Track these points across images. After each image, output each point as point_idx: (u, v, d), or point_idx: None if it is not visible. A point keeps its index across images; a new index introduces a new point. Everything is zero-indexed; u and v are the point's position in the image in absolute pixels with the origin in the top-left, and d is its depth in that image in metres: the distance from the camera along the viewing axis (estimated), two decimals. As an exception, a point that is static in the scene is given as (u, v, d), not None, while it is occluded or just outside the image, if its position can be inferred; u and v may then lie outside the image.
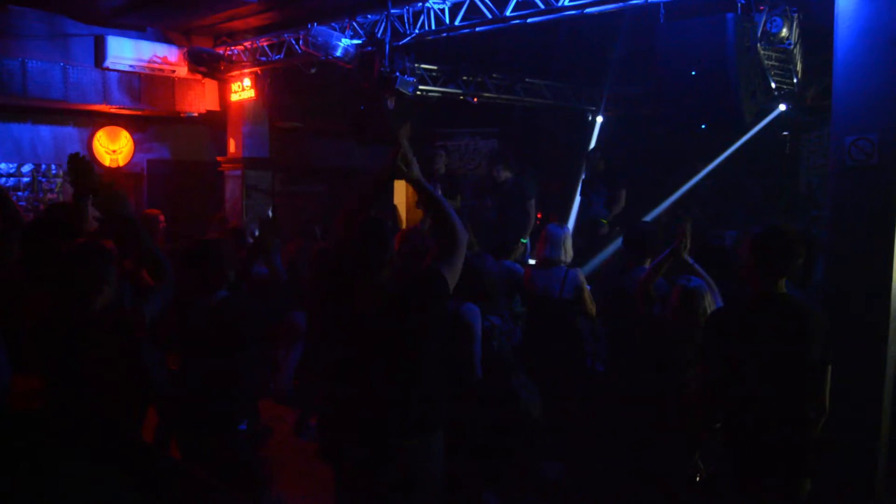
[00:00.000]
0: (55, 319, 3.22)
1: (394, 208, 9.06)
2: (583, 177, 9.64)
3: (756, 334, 3.33)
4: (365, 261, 3.18)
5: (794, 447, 3.31)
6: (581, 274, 5.49)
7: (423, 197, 3.34)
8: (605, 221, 8.41)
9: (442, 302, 3.17)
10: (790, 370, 3.28)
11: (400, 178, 3.26)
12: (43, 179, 9.58)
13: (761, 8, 5.55)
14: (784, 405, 3.29)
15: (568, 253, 5.49)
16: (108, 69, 9.13)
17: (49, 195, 9.57)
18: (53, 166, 9.67)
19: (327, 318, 3.44)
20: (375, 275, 3.17)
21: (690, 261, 4.27)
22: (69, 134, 9.85)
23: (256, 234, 5.61)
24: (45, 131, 9.65)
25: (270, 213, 8.39)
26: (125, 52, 9.16)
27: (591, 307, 5.47)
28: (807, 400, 3.31)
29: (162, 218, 6.38)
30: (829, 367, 3.35)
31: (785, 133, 9.85)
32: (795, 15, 5.65)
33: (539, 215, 9.74)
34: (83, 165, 3.80)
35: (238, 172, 10.48)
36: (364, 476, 3.21)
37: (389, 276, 3.23)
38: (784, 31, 5.60)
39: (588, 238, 8.53)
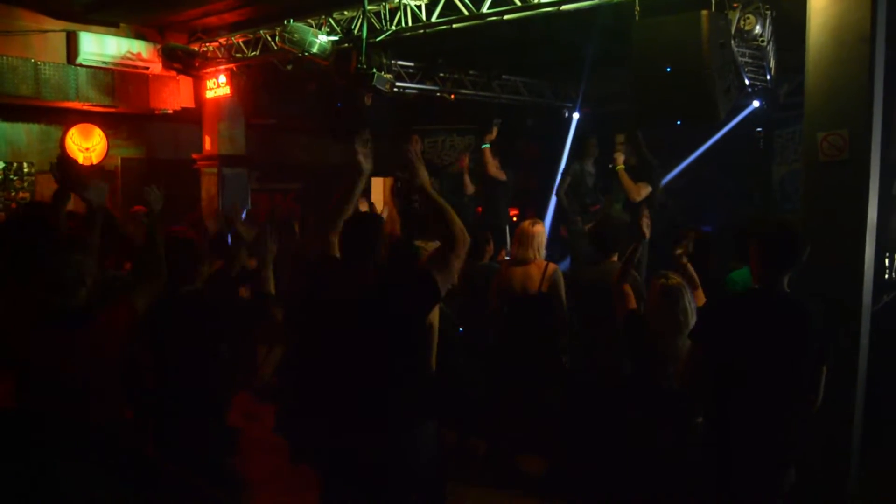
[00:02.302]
0: (40, 316, 3.20)
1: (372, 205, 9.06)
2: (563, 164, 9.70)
3: (755, 330, 3.36)
4: (353, 248, 3.21)
5: (782, 441, 3.36)
6: (559, 269, 5.52)
7: (429, 203, 3.33)
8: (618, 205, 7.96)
9: (426, 303, 3.18)
10: (785, 368, 3.32)
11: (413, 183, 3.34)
12: (15, 177, 9.45)
13: (735, 5, 5.61)
14: (776, 402, 3.33)
15: (541, 251, 5.51)
16: (80, 66, 9.02)
17: (21, 194, 9.44)
18: (25, 164, 9.55)
19: (307, 308, 3.43)
20: (363, 262, 3.18)
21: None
22: (42, 132, 9.73)
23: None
24: (16, 129, 9.51)
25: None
26: (98, 49, 9.06)
27: (563, 302, 5.50)
28: (799, 398, 3.36)
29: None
30: (825, 369, 3.40)
31: (759, 129, 9.95)
32: (769, 12, 5.71)
33: (516, 212, 9.80)
34: (72, 167, 3.87)
35: (214, 170, 10.41)
36: (343, 472, 3.21)
37: (375, 270, 3.24)
38: (757, 29, 5.66)
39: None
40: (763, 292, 3.41)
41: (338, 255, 3.41)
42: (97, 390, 3.19)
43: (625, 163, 7.88)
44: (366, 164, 3.57)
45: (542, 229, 5.62)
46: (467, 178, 9.22)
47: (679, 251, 4.24)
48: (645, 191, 7.72)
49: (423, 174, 3.32)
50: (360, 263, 3.24)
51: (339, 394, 3.22)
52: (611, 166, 8.00)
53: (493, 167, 8.86)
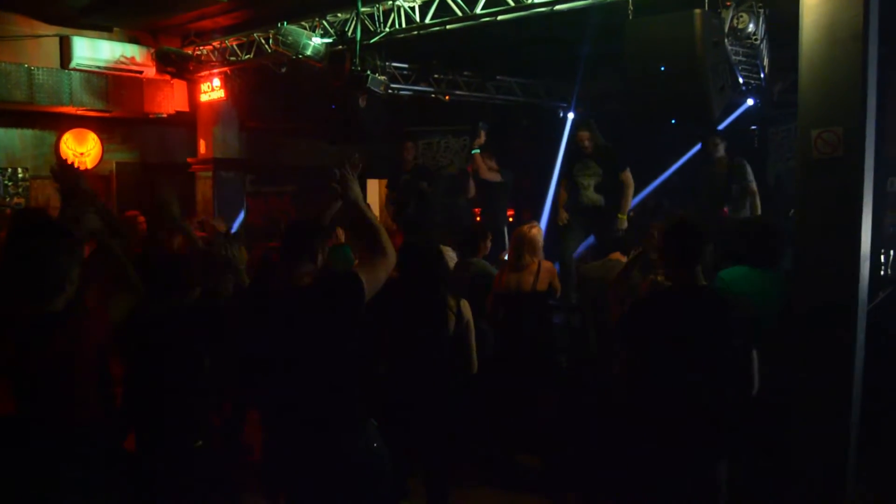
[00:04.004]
0: (14, 319, 3.18)
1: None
2: (559, 167, 9.61)
3: (678, 324, 3.43)
4: (284, 253, 3.23)
5: (714, 434, 3.41)
6: (553, 266, 5.53)
7: (357, 220, 3.34)
8: (622, 216, 7.37)
9: (355, 302, 3.14)
10: (711, 358, 3.39)
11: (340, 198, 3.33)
12: (9, 183, 9.42)
13: (728, 3, 5.62)
14: (704, 392, 3.39)
15: (539, 254, 5.51)
16: (74, 70, 9.01)
17: (16, 199, 9.41)
18: (20, 170, 9.52)
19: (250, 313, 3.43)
20: (290, 268, 3.19)
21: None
22: (36, 137, 9.70)
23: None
24: (10, 134, 9.49)
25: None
26: (91, 53, 9.06)
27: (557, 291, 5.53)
28: (728, 385, 3.42)
29: (142, 220, 6.34)
30: (755, 352, 3.55)
31: (753, 127, 9.96)
32: (762, 10, 5.72)
33: (511, 213, 9.80)
34: (72, 172, 3.86)
35: (209, 173, 10.40)
36: (296, 477, 3.21)
37: (311, 275, 3.22)
38: (751, 27, 5.67)
39: (600, 233, 7.61)
40: (678, 288, 3.50)
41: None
42: (76, 395, 3.18)
43: (586, 151, 7.60)
44: (343, 188, 3.31)
45: (539, 231, 5.62)
46: (472, 183, 9.23)
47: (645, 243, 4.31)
48: (629, 176, 7.46)
49: (356, 189, 3.31)
50: (289, 263, 3.23)
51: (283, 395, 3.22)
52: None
53: (486, 170, 8.86)
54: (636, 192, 9.20)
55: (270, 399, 3.23)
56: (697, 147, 9.51)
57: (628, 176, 7.44)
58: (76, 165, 3.99)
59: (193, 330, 3.79)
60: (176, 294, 3.81)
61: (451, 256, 5.68)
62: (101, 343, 3.29)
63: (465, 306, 4.57)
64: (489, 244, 6.14)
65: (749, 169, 7.85)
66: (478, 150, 8.75)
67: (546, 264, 5.46)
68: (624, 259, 5.19)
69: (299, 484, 3.20)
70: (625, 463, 4.03)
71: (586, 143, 7.59)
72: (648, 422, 3.57)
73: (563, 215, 7.72)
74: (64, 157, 9.14)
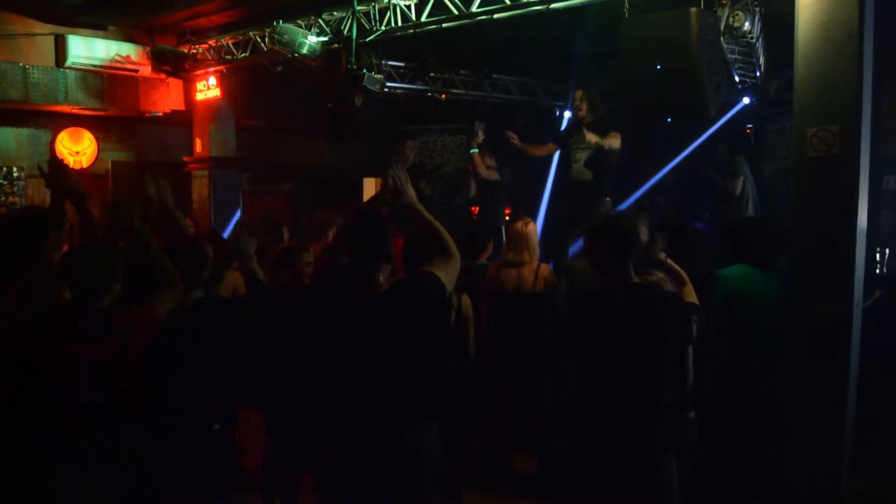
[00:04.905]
0: (62, 318, 3.19)
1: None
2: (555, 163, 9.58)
3: (612, 320, 3.45)
4: (361, 256, 3.18)
5: (654, 428, 3.43)
6: (550, 268, 5.52)
7: (415, 222, 3.31)
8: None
9: (441, 302, 3.18)
10: (645, 355, 3.41)
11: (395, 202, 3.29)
12: (5, 182, 9.40)
13: (724, 2, 5.62)
14: (640, 389, 3.41)
15: (536, 252, 5.50)
16: (69, 69, 8.99)
17: (11, 198, 9.39)
18: (15, 169, 9.49)
19: (311, 314, 3.41)
20: (371, 271, 3.17)
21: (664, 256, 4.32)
22: (31, 136, 9.67)
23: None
24: (5, 133, 9.46)
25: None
26: (87, 52, 9.04)
27: (555, 300, 5.52)
28: (662, 380, 3.44)
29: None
30: (689, 349, 3.68)
31: (749, 125, 9.97)
32: (757, 9, 5.73)
33: (509, 211, 9.80)
34: (62, 169, 3.88)
35: (205, 172, 10.39)
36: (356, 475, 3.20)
37: (387, 275, 3.22)
38: (746, 25, 5.68)
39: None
40: (614, 285, 3.52)
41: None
42: (123, 392, 3.18)
43: (581, 118, 7.17)
44: (395, 193, 3.25)
45: (535, 229, 5.60)
46: (472, 182, 9.21)
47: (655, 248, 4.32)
48: (616, 141, 6.98)
49: (410, 192, 3.26)
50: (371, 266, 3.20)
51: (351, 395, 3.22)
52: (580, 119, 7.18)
53: (484, 169, 8.86)
54: (631, 190, 9.22)
55: (341, 400, 3.20)
56: (693, 146, 9.53)
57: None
58: (67, 163, 4.00)
59: (201, 331, 3.74)
60: (194, 283, 3.81)
61: None
62: (146, 341, 3.29)
63: (466, 301, 4.66)
64: (490, 247, 6.11)
65: (741, 167, 7.88)
66: (476, 150, 8.75)
67: (544, 266, 5.44)
68: None
69: (361, 480, 3.18)
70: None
71: (582, 111, 7.18)
72: (587, 421, 3.62)
73: (514, 137, 7.61)
74: (56, 156, 9.12)
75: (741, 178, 8.01)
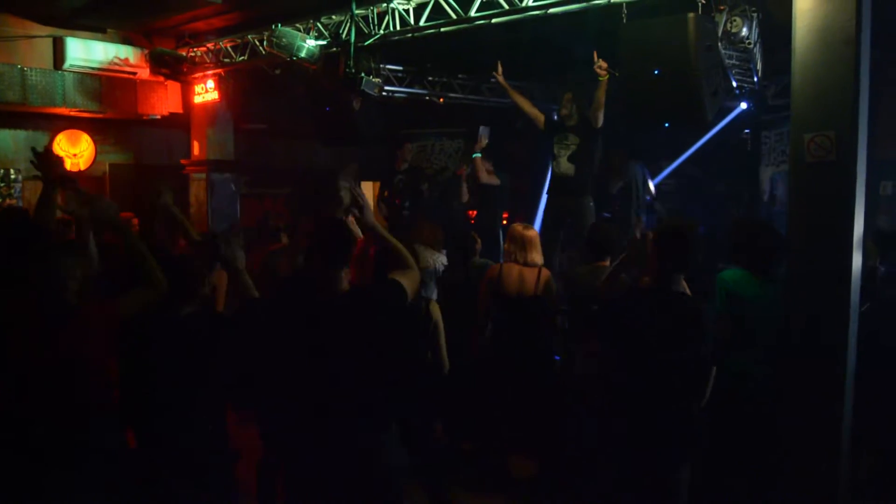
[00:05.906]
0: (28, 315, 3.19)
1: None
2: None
3: (648, 326, 3.47)
4: (324, 259, 3.25)
5: (673, 439, 3.42)
6: (551, 273, 5.53)
7: (378, 241, 3.55)
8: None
9: (402, 306, 3.30)
10: (676, 365, 3.41)
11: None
12: (2, 184, 9.38)
13: (721, 8, 5.63)
14: (666, 398, 3.42)
15: (539, 253, 5.50)
16: (67, 71, 8.98)
17: (8, 200, 9.37)
18: (12, 171, 9.48)
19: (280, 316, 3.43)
20: (333, 273, 3.24)
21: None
22: (29, 138, 9.64)
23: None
24: (3, 136, 9.44)
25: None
26: (85, 54, 9.02)
27: (555, 303, 5.54)
28: (691, 393, 3.43)
29: (136, 221, 6.32)
30: (714, 370, 3.58)
31: (746, 130, 10.00)
32: (755, 15, 5.74)
33: (506, 215, 9.81)
34: (50, 158, 3.96)
35: (203, 175, 10.38)
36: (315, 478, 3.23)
37: (348, 279, 3.31)
38: (744, 31, 5.69)
39: (575, 223, 7.51)
40: (658, 290, 3.54)
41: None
42: (77, 391, 3.18)
43: (564, 117, 7.65)
44: (346, 198, 3.62)
45: (535, 233, 5.60)
46: (465, 187, 9.22)
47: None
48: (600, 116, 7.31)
49: (369, 215, 3.47)
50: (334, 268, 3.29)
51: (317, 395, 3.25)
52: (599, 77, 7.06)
53: (485, 174, 8.87)
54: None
55: (305, 401, 3.24)
56: (690, 151, 9.55)
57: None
58: (54, 152, 4.06)
59: (197, 339, 3.72)
60: (189, 298, 3.78)
61: (440, 260, 5.64)
62: (107, 337, 3.30)
63: (434, 308, 4.75)
64: (479, 245, 6.15)
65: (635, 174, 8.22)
66: (479, 154, 8.75)
67: (545, 272, 5.45)
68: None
69: (324, 479, 3.22)
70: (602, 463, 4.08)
71: (565, 109, 7.60)
72: (614, 419, 3.62)
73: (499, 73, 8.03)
74: (46, 148, 9.11)
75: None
